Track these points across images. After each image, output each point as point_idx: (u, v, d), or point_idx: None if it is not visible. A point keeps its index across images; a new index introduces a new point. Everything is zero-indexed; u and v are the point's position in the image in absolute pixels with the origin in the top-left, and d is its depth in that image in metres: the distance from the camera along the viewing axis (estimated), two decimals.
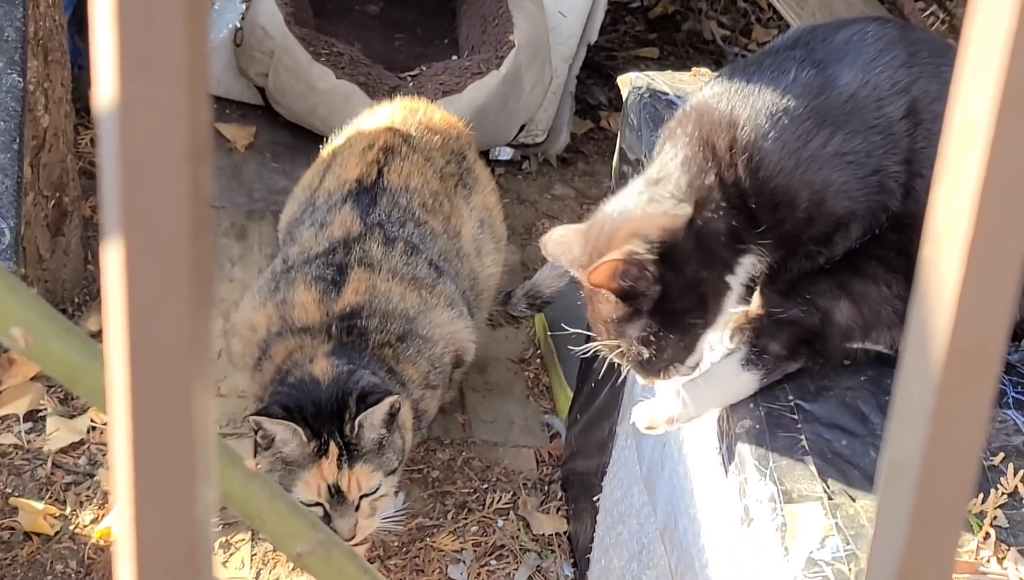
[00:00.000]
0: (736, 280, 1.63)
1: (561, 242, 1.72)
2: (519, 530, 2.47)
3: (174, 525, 0.55)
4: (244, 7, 2.93)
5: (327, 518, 2.12)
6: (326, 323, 2.24)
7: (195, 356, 0.52)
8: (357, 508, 2.12)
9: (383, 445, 2.14)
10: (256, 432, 2.14)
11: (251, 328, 2.33)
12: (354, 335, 2.25)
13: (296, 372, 2.19)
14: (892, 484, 0.63)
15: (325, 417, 2.11)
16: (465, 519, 2.49)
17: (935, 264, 0.58)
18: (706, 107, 1.66)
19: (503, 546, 2.44)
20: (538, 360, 2.88)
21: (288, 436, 2.10)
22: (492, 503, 2.52)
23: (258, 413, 2.11)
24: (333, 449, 2.10)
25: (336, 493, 2.11)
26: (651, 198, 1.62)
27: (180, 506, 0.55)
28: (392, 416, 2.13)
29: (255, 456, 2.19)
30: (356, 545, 2.17)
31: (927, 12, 4.23)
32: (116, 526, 0.61)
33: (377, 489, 2.14)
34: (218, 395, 2.65)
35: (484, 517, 2.49)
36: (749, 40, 4.27)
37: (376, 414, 2.10)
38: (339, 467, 2.10)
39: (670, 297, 1.57)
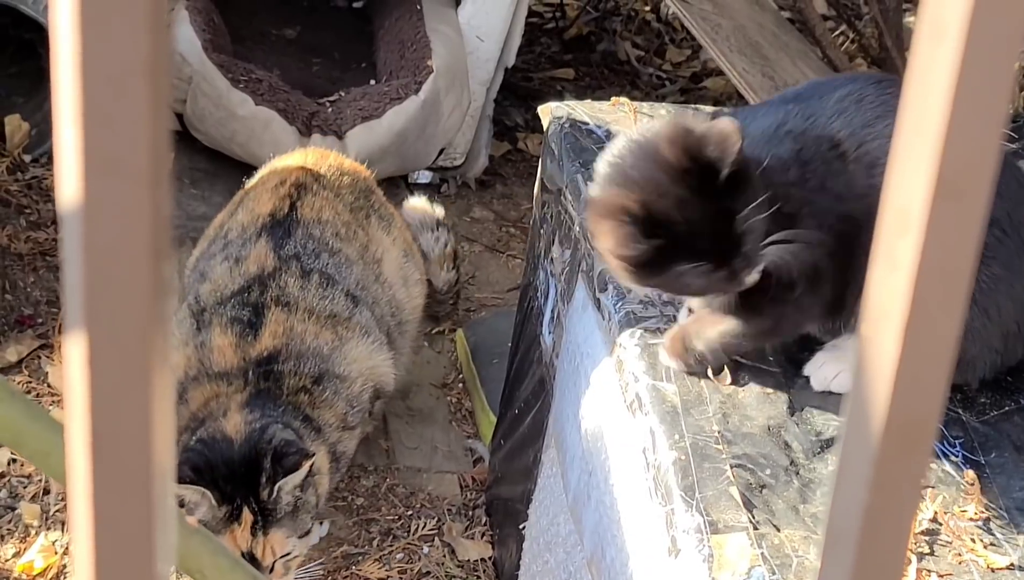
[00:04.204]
0: None
1: None
2: (444, 556, 2.48)
3: None
4: None
5: None
6: (243, 369, 2.22)
7: (157, 448, 0.53)
8: (271, 570, 2.10)
9: (298, 507, 2.12)
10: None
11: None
12: (271, 381, 2.23)
13: (209, 425, 2.15)
14: (832, 550, 0.65)
15: (238, 480, 2.07)
16: (390, 546, 2.49)
17: (873, 342, 0.61)
18: None
19: (429, 573, 2.45)
20: (460, 385, 2.89)
21: (198, 499, 2.07)
22: (417, 529, 2.52)
23: (180, 467, 2.07)
24: (247, 516, 2.07)
25: (250, 560, 2.07)
26: None
27: None
28: (308, 476, 2.11)
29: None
30: None
31: (836, 32, 4.31)
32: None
33: (291, 552, 2.12)
34: None
35: (409, 544, 2.50)
36: (663, 61, 4.32)
37: (294, 479, 2.08)
38: (253, 534, 2.07)
39: None
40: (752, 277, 1.62)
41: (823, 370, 1.79)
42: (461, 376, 2.91)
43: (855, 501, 0.63)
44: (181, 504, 2.07)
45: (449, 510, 2.58)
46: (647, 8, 4.52)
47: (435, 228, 2.83)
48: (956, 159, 0.57)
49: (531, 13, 4.29)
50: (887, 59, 3.65)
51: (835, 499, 0.66)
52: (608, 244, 1.60)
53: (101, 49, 0.47)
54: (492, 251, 3.31)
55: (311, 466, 2.10)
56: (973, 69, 0.56)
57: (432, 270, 2.75)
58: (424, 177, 3.43)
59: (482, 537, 2.53)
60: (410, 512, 2.56)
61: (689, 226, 1.57)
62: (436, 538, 2.52)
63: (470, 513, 2.58)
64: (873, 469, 0.62)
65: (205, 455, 2.10)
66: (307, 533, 2.15)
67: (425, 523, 2.54)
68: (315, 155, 2.65)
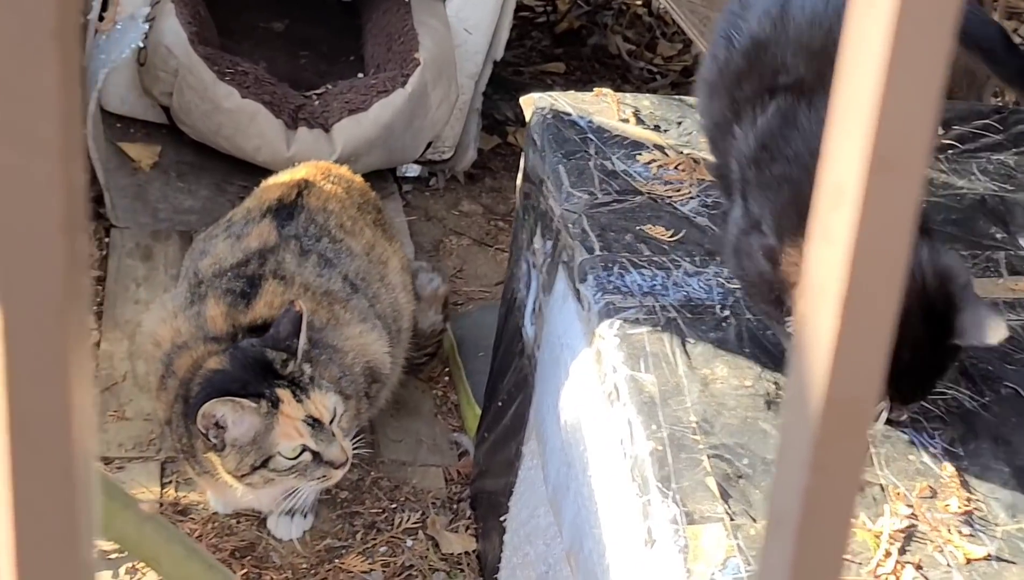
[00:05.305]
0: None
1: None
2: (428, 550, 2.47)
3: None
4: (147, 26, 2.91)
5: (316, 458, 2.15)
6: (232, 334, 2.24)
7: (76, 427, 0.52)
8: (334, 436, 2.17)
9: (314, 362, 2.20)
10: (206, 435, 2.14)
11: (155, 343, 2.32)
12: None
13: (197, 377, 2.18)
14: (774, 534, 0.64)
15: (252, 382, 2.13)
16: (374, 539, 2.48)
17: (811, 319, 0.60)
18: None
19: (412, 566, 2.44)
20: (446, 378, 2.88)
21: (238, 414, 2.12)
22: (401, 523, 2.51)
23: (199, 407, 2.11)
24: (283, 393, 2.13)
25: (314, 424, 2.14)
26: None
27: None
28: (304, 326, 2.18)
29: (212, 452, 2.17)
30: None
31: None
32: None
33: (336, 410, 2.18)
34: (123, 419, 2.62)
35: (393, 537, 2.49)
36: (654, 55, 4.31)
37: (302, 336, 2.16)
38: (300, 402, 2.13)
39: None
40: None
41: None
42: (447, 370, 2.90)
43: (795, 484, 0.62)
44: (223, 434, 2.13)
45: (433, 503, 2.57)
46: (638, 2, 4.51)
47: (430, 270, 2.85)
48: (891, 133, 0.56)
49: (522, 7, 4.28)
50: None
51: (776, 482, 0.65)
52: None
53: (6, 17, 0.47)
54: (480, 245, 3.30)
55: (303, 313, 2.16)
56: (907, 41, 0.55)
57: (421, 309, 2.74)
58: (412, 170, 3.43)
59: (466, 530, 2.53)
60: (394, 505, 2.56)
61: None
62: (420, 531, 2.51)
63: (454, 506, 2.58)
64: (812, 451, 0.61)
65: (208, 388, 2.14)
66: (340, 390, 2.25)
67: (409, 516, 2.53)
68: (327, 166, 2.72)
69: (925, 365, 1.62)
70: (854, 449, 0.61)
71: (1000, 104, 2.91)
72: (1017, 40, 4.13)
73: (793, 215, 1.66)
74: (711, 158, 1.97)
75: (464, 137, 3.43)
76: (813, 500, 0.62)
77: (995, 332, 1.61)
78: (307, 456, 2.15)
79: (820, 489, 0.62)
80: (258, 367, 2.15)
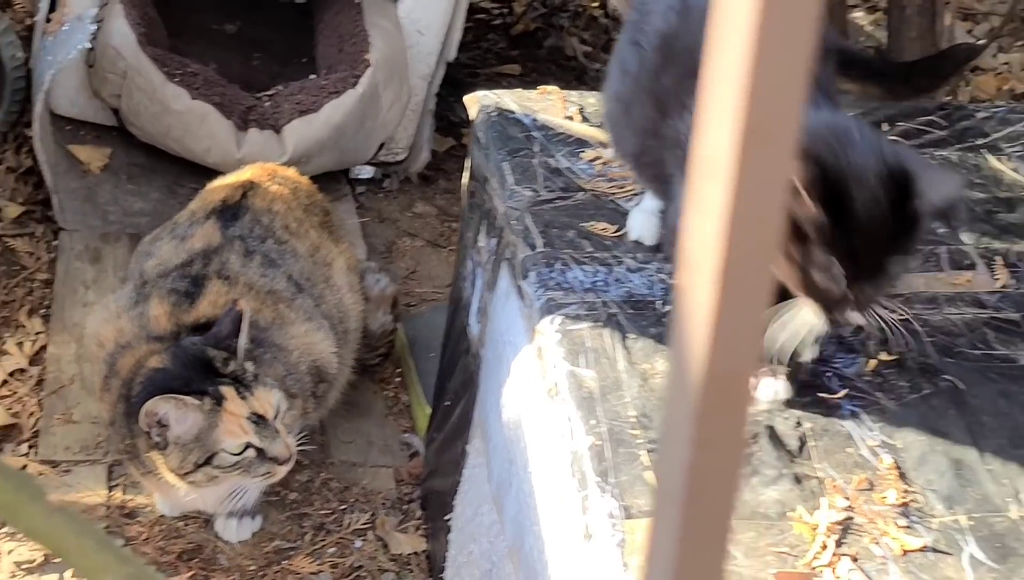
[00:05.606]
0: None
1: None
2: (377, 551, 2.46)
3: None
4: (95, 27, 2.89)
5: (260, 454, 2.15)
6: (175, 333, 2.23)
7: None
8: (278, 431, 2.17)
9: (258, 360, 2.20)
10: (148, 433, 2.13)
11: (99, 344, 2.31)
12: None
13: (139, 377, 2.17)
14: (661, 511, 0.64)
15: (194, 380, 2.13)
16: (323, 541, 2.47)
17: (690, 292, 0.60)
18: None
19: (361, 567, 2.43)
20: (398, 379, 2.87)
21: (181, 411, 2.11)
22: (350, 524, 2.50)
23: (141, 406, 2.10)
24: (227, 390, 2.13)
25: (258, 420, 2.14)
26: None
27: None
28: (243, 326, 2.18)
29: (155, 451, 2.16)
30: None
31: None
32: None
33: (279, 407, 2.18)
34: (70, 422, 2.60)
35: (342, 538, 2.48)
36: (610, 56, 4.31)
37: (242, 336, 2.15)
38: (244, 399, 2.13)
39: None
40: (854, 319, 1.63)
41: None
42: (399, 370, 2.90)
43: (679, 460, 0.62)
44: (165, 431, 2.12)
45: (383, 504, 2.56)
46: (595, 4, 4.52)
47: (377, 271, 2.84)
48: (761, 103, 0.56)
49: (478, 9, 4.28)
50: None
51: (661, 459, 0.65)
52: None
53: None
54: (433, 246, 3.30)
55: (243, 312, 2.17)
56: (774, 11, 0.55)
57: (369, 310, 2.73)
58: (366, 172, 3.42)
59: (416, 531, 2.52)
60: (344, 506, 2.54)
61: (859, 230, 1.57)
62: (369, 532, 2.50)
63: (404, 507, 2.57)
64: (695, 426, 0.60)
65: (150, 387, 2.13)
66: (282, 386, 2.25)
67: (359, 517, 2.52)
68: (274, 168, 2.71)
69: (887, 237, 1.57)
70: (735, 423, 0.61)
71: (945, 101, 2.92)
72: (973, 40, 4.16)
73: None
74: (641, 181, 1.98)
75: (418, 138, 3.43)
76: (698, 476, 0.62)
77: (951, 185, 1.61)
78: (251, 453, 2.14)
79: (704, 465, 0.61)
80: (199, 365, 2.14)
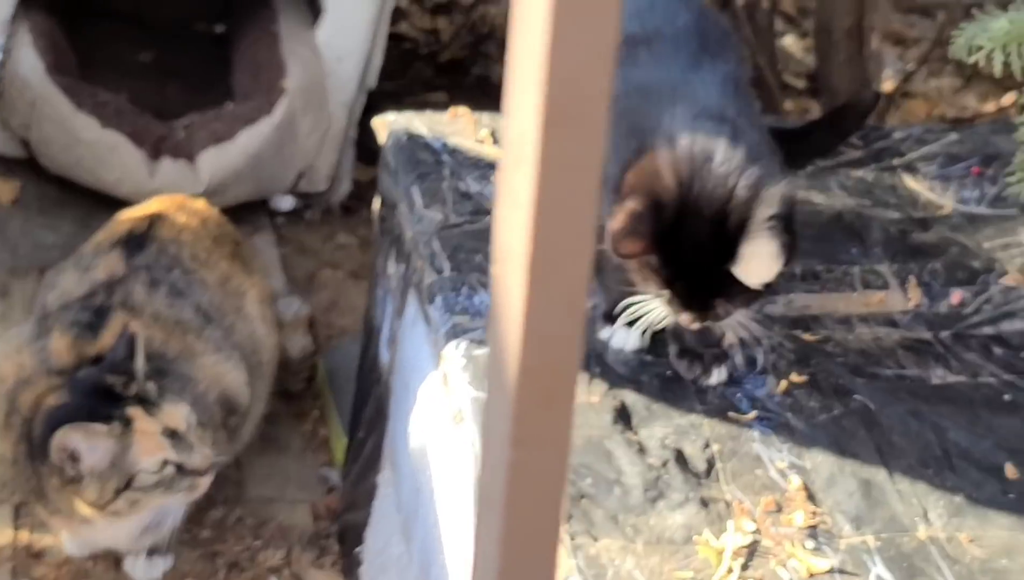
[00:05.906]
0: None
1: None
2: None
3: None
4: (1, 56, 2.84)
5: (179, 469, 2.10)
6: (76, 366, 2.17)
7: None
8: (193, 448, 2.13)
9: (163, 389, 2.15)
10: (62, 470, 2.07)
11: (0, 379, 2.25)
12: None
13: (39, 415, 2.12)
14: (483, 516, 0.61)
15: (98, 407, 2.08)
16: (236, 579, 2.41)
17: (502, 285, 0.56)
18: None
19: None
20: (317, 412, 2.82)
21: (92, 440, 2.05)
22: (265, 560, 2.44)
23: (46, 444, 2.05)
24: (134, 411, 2.08)
25: (172, 435, 2.09)
26: None
27: None
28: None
29: (71, 486, 2.11)
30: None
31: None
32: None
33: (189, 420, 2.13)
34: None
35: (256, 576, 2.42)
36: None
37: (139, 356, 2.11)
38: (152, 416, 2.09)
39: None
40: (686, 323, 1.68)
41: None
42: (318, 403, 2.84)
43: (500, 461, 0.58)
44: (79, 465, 2.07)
45: (299, 540, 2.50)
46: None
47: (287, 295, 2.81)
48: (565, 84, 0.52)
49: (405, 38, 4.25)
50: (760, 78, 3.64)
51: (483, 460, 0.62)
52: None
53: None
54: (355, 277, 3.25)
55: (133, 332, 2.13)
56: None
57: (286, 334, 2.68)
58: (286, 203, 3.37)
59: (333, 566, 2.46)
60: (258, 543, 2.48)
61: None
62: (285, 569, 2.44)
63: (321, 542, 2.51)
64: (513, 424, 0.57)
65: (53, 422, 2.07)
66: (187, 397, 2.21)
67: (274, 554, 2.46)
68: (183, 200, 2.66)
69: (704, 281, 1.62)
70: (557, 419, 0.57)
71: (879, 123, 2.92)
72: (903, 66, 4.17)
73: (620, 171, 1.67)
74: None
75: (339, 168, 3.39)
76: (519, 476, 0.58)
77: (762, 272, 1.60)
78: (171, 469, 2.09)
79: (525, 464, 0.58)
80: (100, 393, 2.09)
